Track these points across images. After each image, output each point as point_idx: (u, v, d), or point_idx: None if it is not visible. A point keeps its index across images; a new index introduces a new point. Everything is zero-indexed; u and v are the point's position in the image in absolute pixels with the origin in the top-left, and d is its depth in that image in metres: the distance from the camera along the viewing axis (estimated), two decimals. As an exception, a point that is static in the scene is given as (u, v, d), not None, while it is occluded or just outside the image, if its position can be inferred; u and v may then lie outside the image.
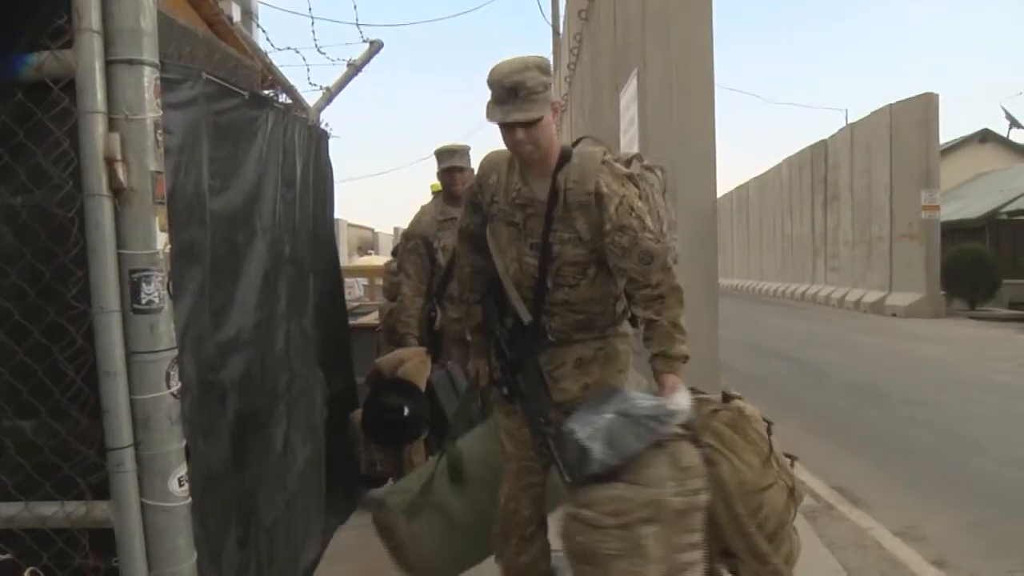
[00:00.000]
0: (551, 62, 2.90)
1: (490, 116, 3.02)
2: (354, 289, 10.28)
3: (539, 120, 3.00)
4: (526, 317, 3.28)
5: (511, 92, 2.96)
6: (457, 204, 5.19)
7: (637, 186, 3.22)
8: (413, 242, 5.46)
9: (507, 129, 3.03)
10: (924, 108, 22.58)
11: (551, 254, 3.17)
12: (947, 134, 28.44)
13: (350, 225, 28.80)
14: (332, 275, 4.79)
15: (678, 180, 6.72)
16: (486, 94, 3.04)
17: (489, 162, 3.32)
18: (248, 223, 3.26)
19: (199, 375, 2.67)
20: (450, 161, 5.45)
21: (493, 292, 3.43)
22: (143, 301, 2.17)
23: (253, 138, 3.31)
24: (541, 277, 3.20)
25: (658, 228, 3.21)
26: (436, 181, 5.81)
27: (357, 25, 4.98)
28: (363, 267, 12.42)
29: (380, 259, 12.64)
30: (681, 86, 6.72)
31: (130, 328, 2.17)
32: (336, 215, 5.44)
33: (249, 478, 3.14)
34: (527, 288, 3.25)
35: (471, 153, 5.56)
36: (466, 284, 3.58)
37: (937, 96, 22.72)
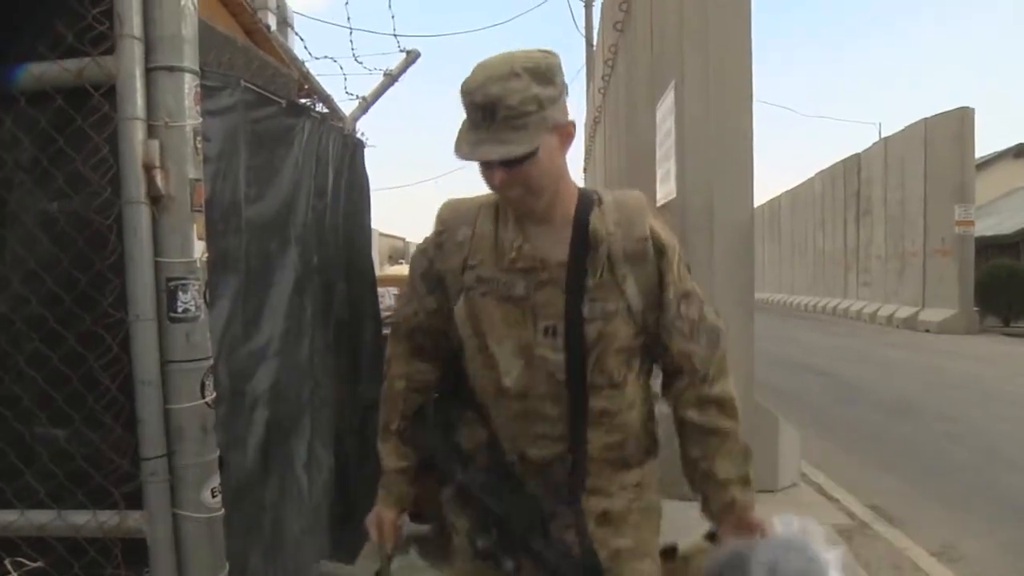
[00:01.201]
0: (560, 63, 1.92)
1: (457, 149, 1.96)
2: (385, 298, 10.27)
3: (529, 156, 1.93)
4: (533, 446, 2.15)
5: (486, 112, 1.91)
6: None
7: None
8: None
9: (483, 167, 2.00)
10: (959, 122, 22.39)
11: (586, 339, 2.06)
12: (982, 149, 28.10)
13: (382, 235, 28.96)
14: (365, 285, 4.77)
15: (715, 193, 6.68)
16: None
17: (454, 212, 2.20)
18: (281, 232, 3.24)
19: (232, 384, 2.65)
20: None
21: (442, 413, 2.30)
22: (179, 310, 2.15)
23: (289, 146, 3.29)
24: (573, 377, 2.08)
25: None
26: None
27: (395, 35, 4.98)
28: (394, 276, 12.41)
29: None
30: (719, 98, 6.68)
31: (166, 337, 2.15)
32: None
33: (274, 489, 3.12)
34: (543, 398, 2.11)
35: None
36: (394, 408, 2.33)
37: (973, 110, 22.53)
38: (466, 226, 2.15)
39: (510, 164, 1.92)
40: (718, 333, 2.16)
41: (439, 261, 2.19)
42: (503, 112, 1.88)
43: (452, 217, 2.18)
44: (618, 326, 2.06)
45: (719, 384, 2.14)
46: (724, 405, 2.14)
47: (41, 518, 2.24)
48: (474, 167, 2.00)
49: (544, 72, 1.92)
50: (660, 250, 2.06)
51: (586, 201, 2.08)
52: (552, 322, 2.06)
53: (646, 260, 2.05)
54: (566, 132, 2.00)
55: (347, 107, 4.70)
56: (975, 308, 22.29)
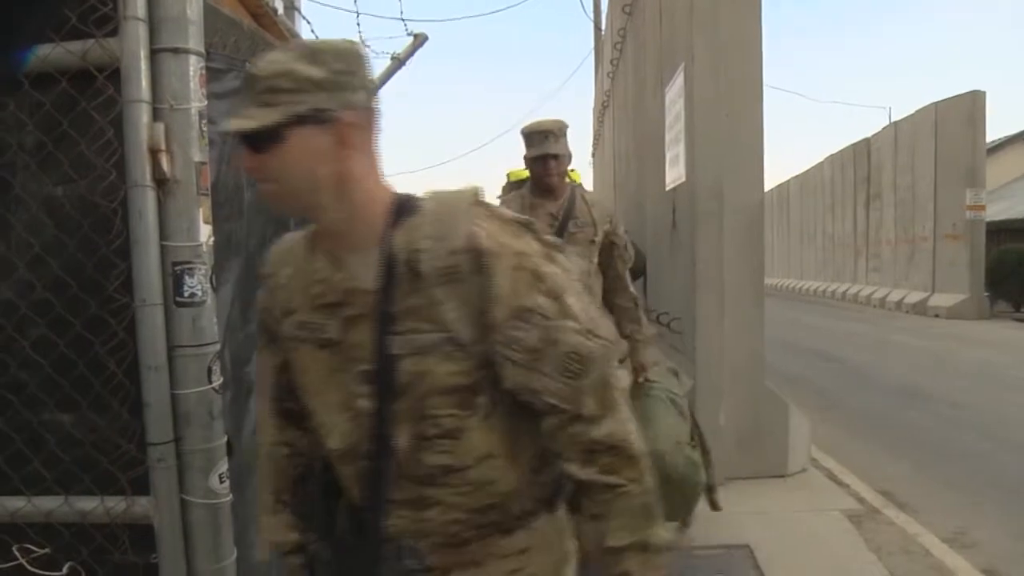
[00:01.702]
0: (357, 54, 1.44)
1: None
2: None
3: (269, 137, 1.55)
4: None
5: (247, 85, 1.63)
6: (551, 198, 4.54)
7: (544, 242, 1.66)
8: None
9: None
10: (970, 106, 22.20)
11: (395, 382, 1.61)
12: (993, 132, 27.97)
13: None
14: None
15: (725, 177, 6.64)
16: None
17: (280, 248, 1.83)
18: (279, 216, 3.20)
19: (233, 370, 2.63)
20: (543, 147, 4.37)
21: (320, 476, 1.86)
22: (186, 294, 2.14)
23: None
24: (380, 429, 1.64)
25: (589, 314, 1.64)
26: (515, 168, 5.12)
27: (402, 19, 4.94)
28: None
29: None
30: (729, 81, 6.63)
31: (172, 321, 2.14)
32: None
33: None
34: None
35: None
36: (281, 476, 1.92)
37: (984, 94, 22.34)
38: (288, 265, 1.76)
39: (254, 147, 1.57)
40: (586, 358, 1.59)
41: (269, 310, 1.81)
42: (255, 84, 1.57)
43: (278, 256, 1.81)
44: (437, 362, 1.59)
45: (606, 424, 1.62)
46: (616, 451, 1.63)
47: (48, 504, 2.23)
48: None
49: (318, 53, 1.56)
50: (478, 259, 1.55)
51: (399, 212, 1.62)
52: (366, 365, 1.63)
53: (463, 276, 1.56)
54: (346, 127, 1.56)
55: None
56: (985, 293, 22.16)
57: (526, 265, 1.58)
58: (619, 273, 4.70)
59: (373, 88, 1.63)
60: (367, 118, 1.61)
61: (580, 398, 1.60)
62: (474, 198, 1.64)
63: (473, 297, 1.56)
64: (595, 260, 4.58)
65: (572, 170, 5.30)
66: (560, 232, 4.41)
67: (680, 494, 4.01)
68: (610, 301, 4.66)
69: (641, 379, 4.53)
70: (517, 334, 1.57)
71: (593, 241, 4.54)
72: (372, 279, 1.60)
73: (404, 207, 1.63)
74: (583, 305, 1.63)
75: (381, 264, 1.60)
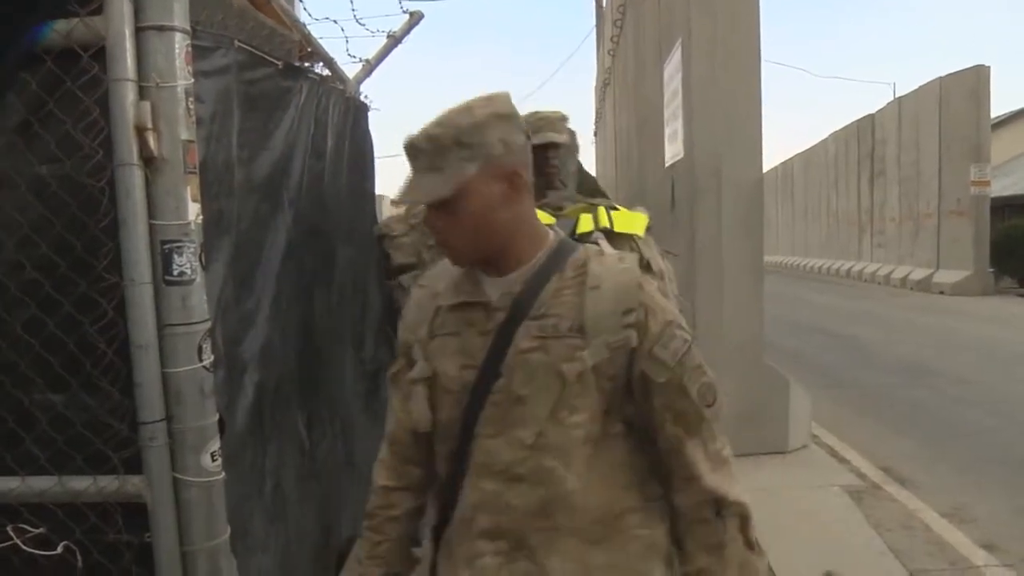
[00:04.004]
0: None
1: None
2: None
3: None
4: None
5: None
6: (555, 190, 3.95)
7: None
8: None
9: None
10: (975, 81, 22.10)
11: None
12: (998, 108, 27.79)
13: (392, 201, 28.89)
14: (369, 249, 4.73)
15: (723, 153, 6.62)
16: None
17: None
18: (274, 195, 3.20)
19: (225, 348, 2.62)
20: (545, 134, 3.86)
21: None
22: (175, 272, 2.13)
23: (285, 109, 3.24)
24: None
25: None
26: None
27: (399, -1, 4.89)
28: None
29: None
30: (727, 56, 6.61)
31: (162, 300, 2.13)
32: (377, 191, 5.31)
33: (273, 453, 3.09)
34: None
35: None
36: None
37: (988, 69, 22.24)
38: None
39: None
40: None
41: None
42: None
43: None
44: None
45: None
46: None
47: (41, 484, 2.23)
48: None
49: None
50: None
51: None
52: None
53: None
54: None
55: (351, 70, 4.64)
56: (990, 269, 22.12)
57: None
58: None
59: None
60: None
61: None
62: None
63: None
64: None
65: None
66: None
67: None
68: None
69: None
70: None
71: None
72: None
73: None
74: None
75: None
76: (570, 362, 1.70)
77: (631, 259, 1.86)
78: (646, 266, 2.45)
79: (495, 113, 1.72)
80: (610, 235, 3.04)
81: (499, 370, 1.74)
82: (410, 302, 1.98)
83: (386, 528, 1.98)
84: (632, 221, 3.25)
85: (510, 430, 1.74)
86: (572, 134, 4.08)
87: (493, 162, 1.70)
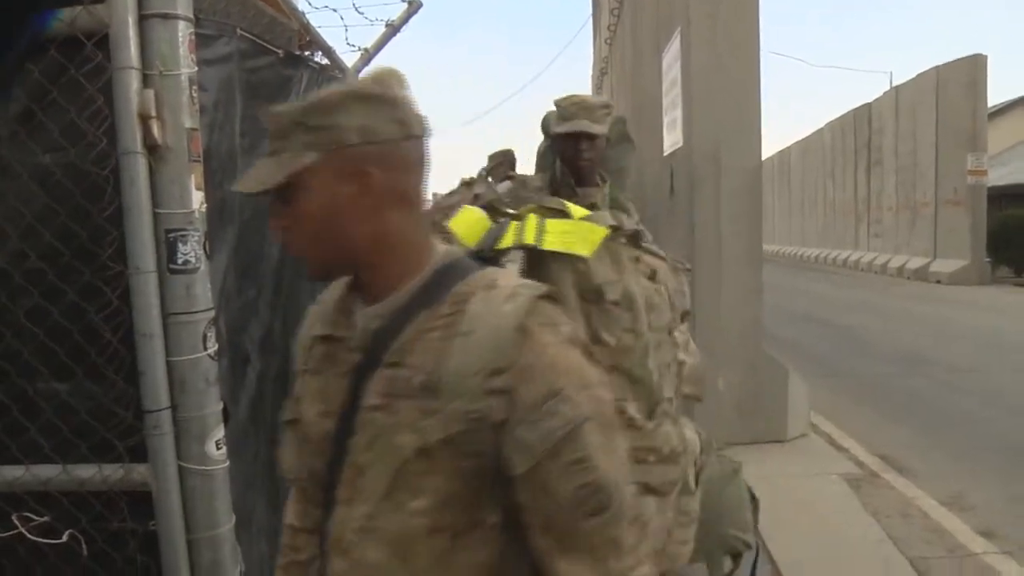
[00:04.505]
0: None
1: None
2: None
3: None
4: None
5: None
6: (588, 187, 3.51)
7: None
8: None
9: None
10: (972, 70, 22.08)
11: None
12: (995, 97, 27.76)
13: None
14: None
15: (722, 141, 6.62)
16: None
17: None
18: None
19: (229, 336, 2.62)
20: (579, 123, 3.44)
21: None
22: (179, 261, 2.14)
23: (286, 97, 3.24)
24: None
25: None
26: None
27: (396, -13, 4.88)
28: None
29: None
30: (726, 45, 6.60)
31: (166, 289, 2.14)
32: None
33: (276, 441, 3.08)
34: None
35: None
36: None
37: (985, 58, 22.23)
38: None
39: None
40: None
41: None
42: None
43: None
44: None
45: None
46: None
47: (46, 472, 2.24)
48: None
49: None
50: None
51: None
52: None
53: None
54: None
55: (349, 59, 4.63)
56: (987, 259, 22.14)
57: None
58: None
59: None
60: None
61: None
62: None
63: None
64: None
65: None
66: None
67: None
68: None
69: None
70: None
71: None
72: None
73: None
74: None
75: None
76: (411, 432, 1.28)
77: (527, 294, 1.32)
78: (594, 298, 1.76)
79: (357, 93, 1.34)
80: (537, 255, 1.80)
81: (353, 425, 1.36)
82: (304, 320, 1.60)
83: (292, 572, 1.67)
84: (575, 235, 1.85)
85: (356, 504, 1.35)
86: (619, 123, 3.71)
87: (340, 153, 1.31)
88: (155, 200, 2.11)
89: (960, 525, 5.15)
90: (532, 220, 1.81)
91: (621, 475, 1.30)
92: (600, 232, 1.78)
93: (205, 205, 2.19)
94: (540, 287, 1.36)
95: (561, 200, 1.96)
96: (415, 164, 1.38)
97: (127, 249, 2.11)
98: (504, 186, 3.34)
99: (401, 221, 1.36)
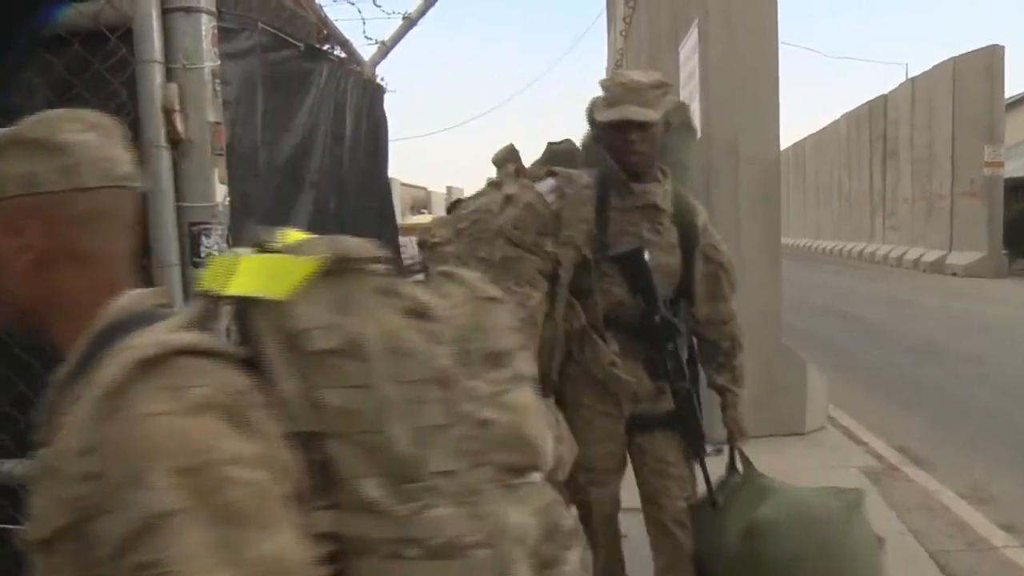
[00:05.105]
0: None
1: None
2: (407, 247, 10.32)
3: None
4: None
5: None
6: (646, 183, 3.10)
7: None
8: None
9: None
10: (989, 61, 21.93)
11: None
12: (1012, 88, 27.57)
13: (403, 184, 28.93)
14: (386, 230, 4.73)
15: (740, 132, 6.60)
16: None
17: None
18: (296, 177, 3.20)
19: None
20: (626, 109, 2.96)
21: None
22: (203, 255, 2.14)
23: (307, 91, 3.25)
24: None
25: None
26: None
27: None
28: (416, 225, 12.43)
29: (431, 218, 12.64)
30: (744, 37, 6.58)
31: (190, 282, 2.14)
32: (390, 173, 5.30)
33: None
34: None
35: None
36: None
37: (1003, 48, 22.05)
38: None
39: None
40: None
41: None
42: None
43: None
44: None
45: None
46: None
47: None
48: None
49: None
50: None
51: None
52: None
53: None
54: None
55: (366, 52, 4.64)
56: (1004, 251, 21.99)
57: None
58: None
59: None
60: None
61: None
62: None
63: None
64: None
65: None
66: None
67: None
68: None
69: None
70: None
71: None
72: None
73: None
74: None
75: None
76: (33, 520, 1.04)
77: (138, 353, 1.03)
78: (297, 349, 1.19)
79: (18, 138, 1.19)
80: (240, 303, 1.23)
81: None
82: None
83: None
84: (269, 273, 1.21)
85: None
86: (680, 108, 3.33)
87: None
88: (179, 194, 2.11)
89: (980, 519, 5.13)
90: (228, 260, 1.26)
91: None
92: (305, 266, 1.21)
93: (228, 199, 2.19)
94: (178, 339, 1.07)
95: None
96: (89, 218, 1.20)
97: (151, 243, 2.11)
98: (547, 184, 3.06)
99: (72, 281, 1.20)
